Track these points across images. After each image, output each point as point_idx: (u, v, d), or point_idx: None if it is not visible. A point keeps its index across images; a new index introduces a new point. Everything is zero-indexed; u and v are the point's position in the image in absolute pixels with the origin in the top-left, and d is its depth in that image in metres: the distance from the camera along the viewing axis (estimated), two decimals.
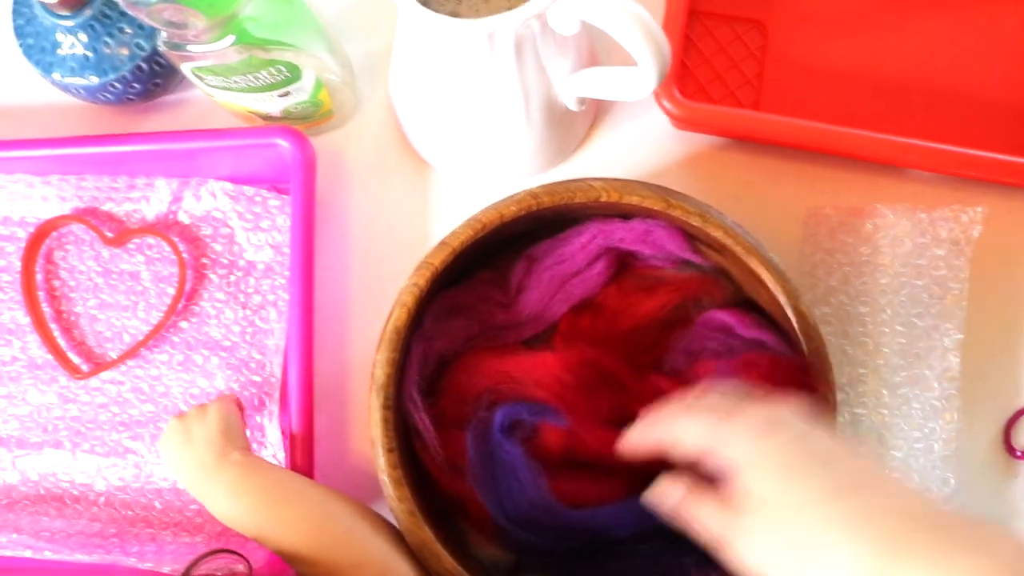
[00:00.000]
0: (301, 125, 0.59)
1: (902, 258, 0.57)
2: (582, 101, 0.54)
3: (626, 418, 0.52)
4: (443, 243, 0.51)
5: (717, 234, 0.51)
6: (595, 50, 0.58)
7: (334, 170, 0.61)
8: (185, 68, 0.51)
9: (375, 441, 0.50)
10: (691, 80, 0.61)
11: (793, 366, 0.51)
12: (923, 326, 0.57)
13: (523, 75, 0.50)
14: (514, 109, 0.52)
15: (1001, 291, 0.60)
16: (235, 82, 0.52)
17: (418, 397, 0.51)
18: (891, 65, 0.62)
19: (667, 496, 0.43)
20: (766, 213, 0.60)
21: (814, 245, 0.60)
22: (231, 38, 0.48)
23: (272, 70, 0.52)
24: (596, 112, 0.61)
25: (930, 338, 0.57)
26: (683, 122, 0.56)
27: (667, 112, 0.55)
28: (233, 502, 0.50)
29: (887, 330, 0.58)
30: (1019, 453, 0.59)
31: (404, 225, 0.61)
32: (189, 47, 0.48)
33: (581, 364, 0.52)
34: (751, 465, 0.38)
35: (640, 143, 0.61)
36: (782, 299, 0.51)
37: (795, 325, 0.50)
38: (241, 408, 0.57)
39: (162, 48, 0.50)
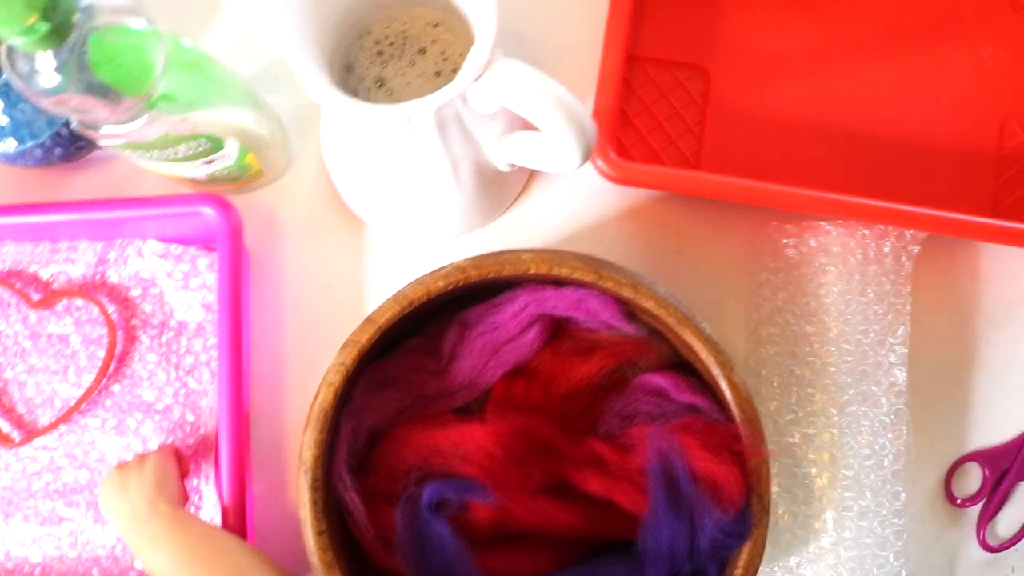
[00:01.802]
0: (230, 186, 0.58)
1: (845, 275, 0.58)
2: (513, 163, 0.53)
3: (560, 484, 0.52)
4: (369, 320, 0.50)
5: (649, 305, 0.50)
6: None
7: (267, 227, 0.60)
8: (102, 142, 0.49)
9: (305, 523, 0.49)
10: (631, 129, 0.60)
11: (727, 434, 0.50)
12: (869, 342, 0.58)
13: (448, 146, 0.49)
14: (443, 176, 0.51)
15: (942, 340, 0.60)
16: (155, 155, 0.50)
17: (347, 476, 0.50)
18: (835, 112, 0.61)
19: None
20: (708, 262, 0.60)
21: (759, 264, 0.59)
22: (144, 118, 0.46)
23: (192, 143, 0.50)
24: None
25: (876, 354, 0.58)
26: (619, 181, 0.55)
27: (601, 172, 0.54)
28: (155, 554, 0.49)
29: (834, 349, 0.58)
30: (959, 501, 0.59)
31: (339, 283, 0.60)
32: (102, 129, 0.47)
33: (512, 435, 0.51)
34: None
35: (578, 195, 0.60)
36: (715, 371, 0.50)
37: (728, 396, 0.50)
38: (182, 460, 0.57)
39: (75, 128, 0.48)
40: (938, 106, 0.60)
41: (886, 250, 0.58)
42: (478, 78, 0.43)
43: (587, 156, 0.45)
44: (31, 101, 0.44)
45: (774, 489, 0.57)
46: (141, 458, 0.54)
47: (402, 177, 0.52)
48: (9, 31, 0.39)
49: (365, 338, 0.50)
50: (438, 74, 0.51)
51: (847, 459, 0.57)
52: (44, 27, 0.39)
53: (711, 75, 0.61)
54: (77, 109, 0.44)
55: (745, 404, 0.50)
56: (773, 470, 0.57)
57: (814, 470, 0.57)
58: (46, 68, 0.42)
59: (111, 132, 0.47)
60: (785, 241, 0.59)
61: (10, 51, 0.43)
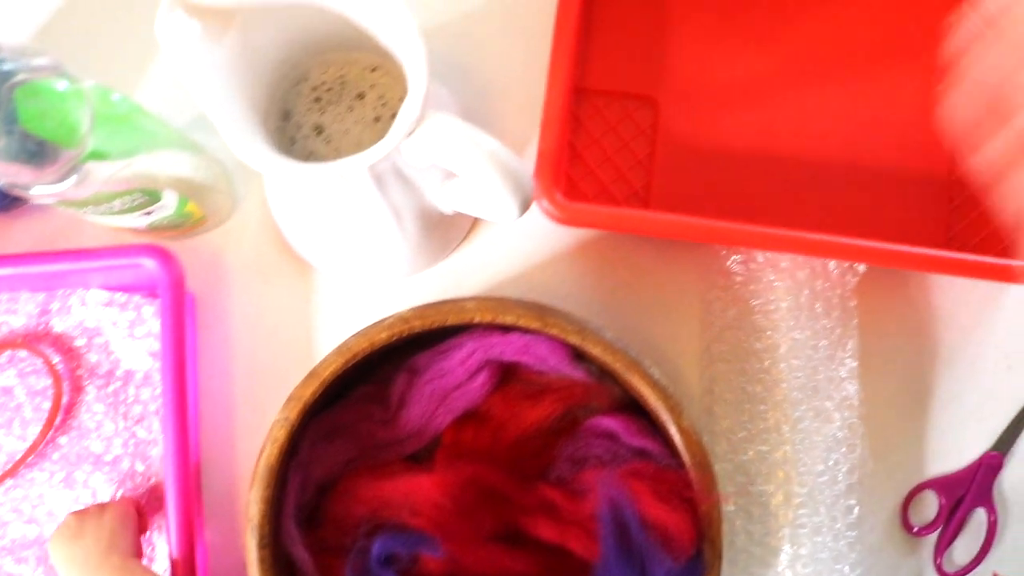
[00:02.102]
0: (173, 233, 0.57)
1: (794, 290, 0.57)
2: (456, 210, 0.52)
3: (512, 531, 0.52)
4: (313, 374, 0.49)
5: (596, 351, 0.50)
6: None
7: (214, 271, 0.59)
8: (34, 201, 0.48)
9: None
10: (580, 164, 0.59)
11: (677, 480, 0.50)
12: (819, 357, 0.57)
13: (388, 196, 0.48)
14: (386, 224, 0.50)
15: (894, 367, 0.60)
16: (90, 211, 0.49)
17: (295, 531, 0.50)
18: (785, 139, 0.60)
19: None
20: (661, 293, 0.59)
21: (709, 282, 0.59)
22: (73, 179, 0.45)
23: (127, 198, 0.49)
24: None
25: (827, 369, 0.58)
26: (566, 223, 0.54)
27: (548, 214, 0.54)
28: None
29: (784, 365, 0.58)
30: (916, 529, 0.59)
31: (288, 327, 0.59)
32: (32, 190, 0.46)
33: (460, 485, 0.51)
34: None
35: (528, 232, 0.59)
36: (664, 416, 0.50)
37: (678, 441, 0.49)
38: (141, 516, 0.56)
39: (3, 186, 0.47)
40: (888, 133, 0.60)
41: (831, 264, 0.58)
42: (410, 134, 0.42)
43: (525, 209, 0.45)
44: None
45: (730, 507, 0.57)
46: (101, 507, 0.54)
47: (345, 224, 0.52)
48: None
49: (309, 392, 0.49)
50: (377, 119, 0.51)
51: (801, 476, 0.57)
52: None
53: (660, 106, 0.60)
54: (2, 174, 0.43)
55: (695, 449, 0.49)
56: (729, 488, 0.57)
57: (770, 487, 0.57)
58: None
59: (41, 192, 0.46)
60: (734, 258, 0.58)
61: None
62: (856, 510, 0.57)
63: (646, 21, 0.60)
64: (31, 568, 0.57)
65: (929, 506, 0.59)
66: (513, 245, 0.59)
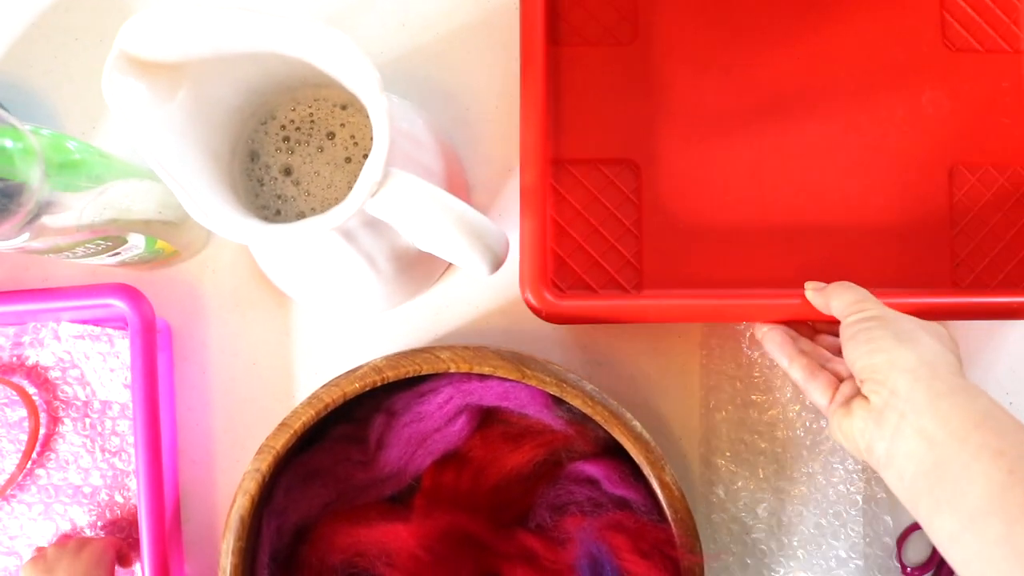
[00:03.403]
0: (145, 268, 0.55)
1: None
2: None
3: None
4: (284, 425, 0.48)
5: (576, 403, 0.48)
6: (457, 177, 0.54)
7: (190, 302, 0.58)
8: None
9: None
10: (567, 239, 0.55)
11: (659, 534, 0.49)
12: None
13: (359, 244, 0.46)
14: (358, 268, 0.48)
15: None
16: (53, 257, 0.48)
17: None
18: (776, 192, 0.56)
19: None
20: (658, 340, 0.57)
21: (708, 329, 0.57)
22: (25, 236, 0.43)
23: (89, 246, 0.47)
24: None
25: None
26: (557, 321, 0.52)
27: (536, 312, 0.51)
28: None
29: (784, 415, 0.56)
30: (909, 570, 0.58)
31: (266, 359, 0.57)
32: None
33: (437, 535, 0.49)
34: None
35: (512, 264, 0.57)
36: (645, 469, 0.48)
37: (660, 496, 0.48)
38: (124, 558, 0.56)
39: None
40: (882, 163, 0.56)
41: None
42: (373, 195, 0.40)
43: (496, 268, 0.43)
44: None
45: (729, 558, 0.56)
46: (81, 543, 0.54)
47: (319, 266, 0.50)
48: None
49: (280, 444, 0.48)
50: (348, 160, 0.48)
51: (798, 528, 0.56)
52: None
53: (641, 167, 0.56)
54: None
55: (678, 504, 0.48)
56: (725, 538, 0.56)
57: (764, 536, 0.56)
58: None
59: None
60: None
61: None
62: (853, 565, 0.56)
63: (615, 82, 0.56)
64: None
65: (923, 546, 0.58)
66: (496, 280, 0.57)
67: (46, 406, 0.57)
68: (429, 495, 0.52)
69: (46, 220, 0.44)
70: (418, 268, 0.53)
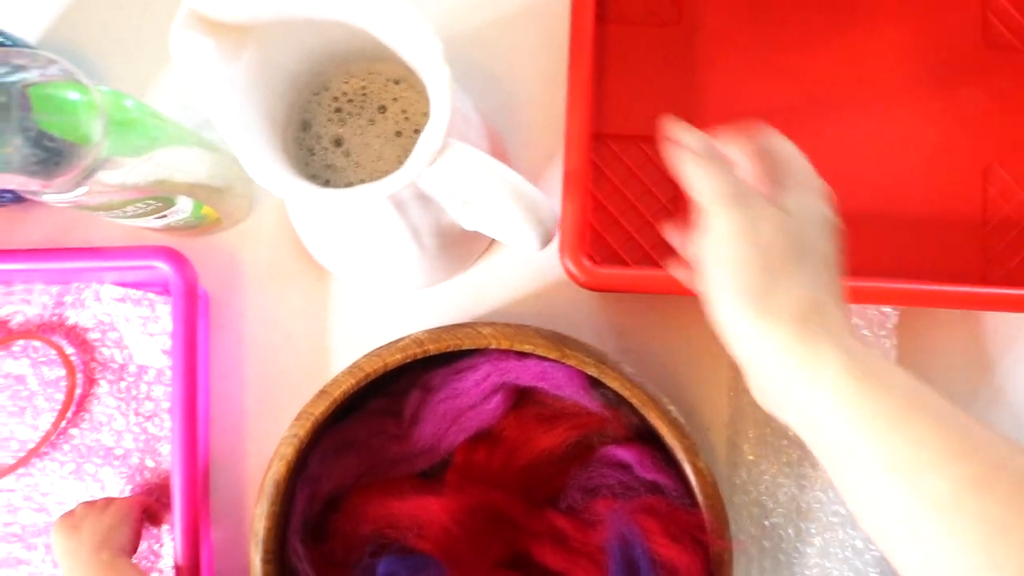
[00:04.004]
0: (188, 233, 0.56)
1: None
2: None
3: (520, 556, 0.51)
4: (324, 392, 0.49)
5: (614, 385, 0.48)
6: (501, 159, 0.54)
7: (228, 271, 0.58)
8: (48, 202, 0.47)
9: None
10: (604, 213, 0.56)
11: (691, 519, 0.49)
12: None
13: (407, 216, 0.46)
14: (403, 241, 0.49)
15: None
16: (103, 215, 0.48)
17: (301, 548, 0.49)
18: None
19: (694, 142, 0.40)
20: (688, 321, 0.57)
21: None
22: (84, 188, 0.44)
23: (139, 205, 0.48)
24: None
25: None
26: (594, 288, 0.52)
27: (574, 279, 0.51)
28: None
29: None
30: None
31: (302, 332, 0.58)
32: (43, 196, 0.45)
33: (469, 510, 0.50)
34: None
35: (551, 249, 0.57)
36: (679, 455, 0.48)
37: (693, 482, 0.48)
38: (154, 517, 0.57)
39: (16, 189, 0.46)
40: (918, 157, 0.57)
41: (872, 314, 0.56)
42: (431, 164, 0.40)
43: (546, 243, 0.43)
44: None
45: (751, 550, 0.56)
46: (108, 501, 0.55)
47: (363, 237, 0.50)
48: None
49: (319, 411, 0.48)
50: (399, 134, 0.49)
51: (817, 514, 0.56)
52: None
53: None
54: (13, 184, 0.42)
55: (710, 491, 0.48)
56: (745, 520, 0.56)
57: (782, 521, 0.56)
58: None
59: (53, 199, 0.45)
60: None
61: None
62: (869, 555, 0.56)
63: (657, 62, 0.58)
64: (40, 555, 0.58)
65: None
66: (533, 262, 0.57)
67: (83, 367, 0.58)
68: (461, 471, 0.53)
69: (102, 175, 0.44)
70: (459, 247, 0.53)
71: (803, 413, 0.35)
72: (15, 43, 0.57)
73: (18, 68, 0.40)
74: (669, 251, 0.55)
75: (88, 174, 0.43)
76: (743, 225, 0.36)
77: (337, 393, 0.48)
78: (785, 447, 0.56)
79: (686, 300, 0.56)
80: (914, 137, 0.57)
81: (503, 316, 0.57)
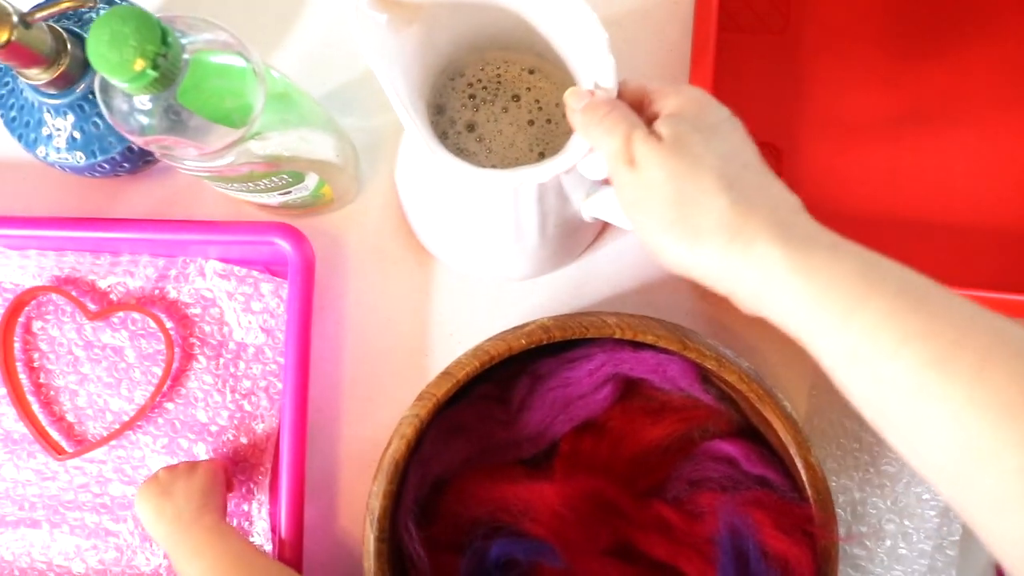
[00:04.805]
0: (299, 212, 0.56)
1: None
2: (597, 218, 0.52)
3: (625, 546, 0.52)
4: (447, 373, 0.49)
5: (731, 379, 0.49)
6: None
7: (332, 253, 0.58)
8: (185, 172, 0.48)
9: (368, 573, 0.49)
10: None
11: (800, 514, 0.50)
12: None
13: (544, 204, 0.47)
14: (529, 228, 0.50)
15: None
16: (233, 187, 0.49)
17: (413, 527, 0.49)
18: (909, 191, 0.59)
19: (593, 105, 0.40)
20: None
21: None
22: (231, 157, 0.44)
23: (274, 179, 0.48)
24: None
25: None
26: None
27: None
28: (192, 563, 0.49)
29: None
30: None
31: (403, 317, 0.58)
32: (186, 163, 0.45)
33: (581, 497, 0.50)
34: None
35: None
36: (792, 449, 0.49)
37: (804, 476, 0.49)
38: (228, 477, 0.56)
39: (158, 155, 0.46)
40: (1012, 172, 0.58)
41: None
42: (585, 156, 0.41)
43: None
44: (112, 124, 0.42)
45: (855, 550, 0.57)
46: (191, 465, 0.54)
47: (481, 221, 0.51)
48: (118, 76, 0.37)
49: (442, 392, 0.49)
50: (531, 123, 0.50)
51: (872, 519, 0.57)
52: (152, 74, 0.38)
53: (782, 154, 0.59)
54: (167, 147, 0.42)
55: (820, 485, 0.49)
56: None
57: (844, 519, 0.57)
58: (145, 110, 0.40)
59: (194, 166, 0.45)
60: None
61: (106, 87, 0.41)
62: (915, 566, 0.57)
63: (764, 69, 0.60)
64: (129, 528, 0.58)
65: None
66: (637, 257, 0.58)
67: (181, 341, 0.58)
68: (568, 460, 0.53)
69: (252, 145, 0.45)
70: (573, 237, 0.54)
71: (774, 309, 0.37)
72: None
73: (185, 33, 0.41)
74: None
75: (241, 142, 0.44)
76: (631, 176, 0.38)
77: (460, 375, 0.49)
78: (855, 450, 0.57)
79: None
80: (1009, 152, 0.59)
81: (608, 308, 0.58)
